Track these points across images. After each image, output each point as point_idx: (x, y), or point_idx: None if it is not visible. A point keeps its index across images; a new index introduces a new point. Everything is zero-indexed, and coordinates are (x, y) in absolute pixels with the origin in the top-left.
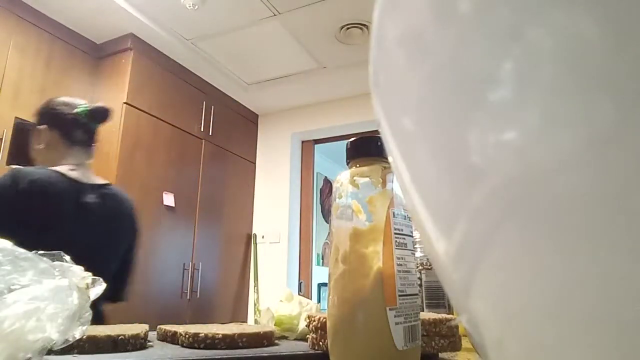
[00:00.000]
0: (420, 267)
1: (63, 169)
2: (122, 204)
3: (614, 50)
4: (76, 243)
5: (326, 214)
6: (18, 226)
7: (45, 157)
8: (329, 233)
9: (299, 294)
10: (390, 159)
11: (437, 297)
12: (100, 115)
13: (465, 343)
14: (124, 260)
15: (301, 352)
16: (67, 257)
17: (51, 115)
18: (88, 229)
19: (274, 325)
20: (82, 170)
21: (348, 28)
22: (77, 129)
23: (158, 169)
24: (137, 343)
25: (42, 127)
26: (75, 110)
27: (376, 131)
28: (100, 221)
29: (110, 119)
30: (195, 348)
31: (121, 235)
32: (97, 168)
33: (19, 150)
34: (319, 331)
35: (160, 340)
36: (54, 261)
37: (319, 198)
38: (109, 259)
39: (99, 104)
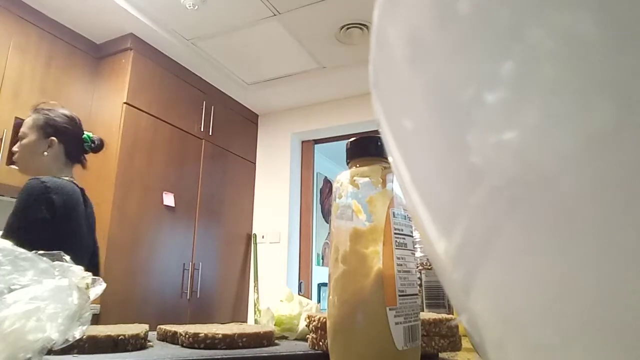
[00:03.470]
0: (420, 267)
1: (71, 179)
2: (92, 205)
3: (613, 50)
4: (83, 238)
5: (326, 214)
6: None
7: (48, 166)
8: (329, 233)
9: (299, 294)
10: (390, 159)
11: (437, 297)
12: (100, 146)
13: (465, 343)
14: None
15: (301, 352)
16: (67, 257)
17: (62, 131)
18: (87, 228)
19: (274, 325)
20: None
21: (348, 28)
22: (82, 153)
23: (158, 169)
24: (137, 343)
25: (52, 139)
26: (84, 136)
27: (376, 131)
28: (91, 221)
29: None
30: (195, 348)
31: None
32: (97, 168)
33: None
34: (319, 331)
35: (160, 340)
36: (54, 261)
37: (319, 198)
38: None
39: (98, 137)
